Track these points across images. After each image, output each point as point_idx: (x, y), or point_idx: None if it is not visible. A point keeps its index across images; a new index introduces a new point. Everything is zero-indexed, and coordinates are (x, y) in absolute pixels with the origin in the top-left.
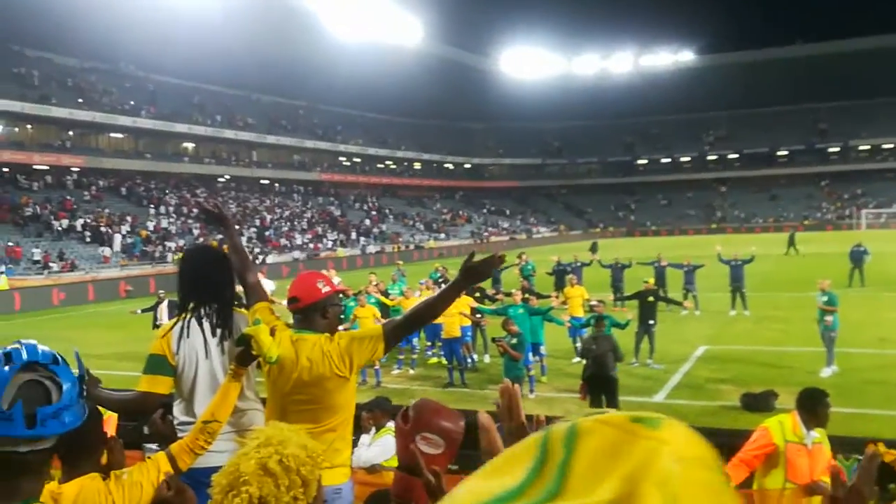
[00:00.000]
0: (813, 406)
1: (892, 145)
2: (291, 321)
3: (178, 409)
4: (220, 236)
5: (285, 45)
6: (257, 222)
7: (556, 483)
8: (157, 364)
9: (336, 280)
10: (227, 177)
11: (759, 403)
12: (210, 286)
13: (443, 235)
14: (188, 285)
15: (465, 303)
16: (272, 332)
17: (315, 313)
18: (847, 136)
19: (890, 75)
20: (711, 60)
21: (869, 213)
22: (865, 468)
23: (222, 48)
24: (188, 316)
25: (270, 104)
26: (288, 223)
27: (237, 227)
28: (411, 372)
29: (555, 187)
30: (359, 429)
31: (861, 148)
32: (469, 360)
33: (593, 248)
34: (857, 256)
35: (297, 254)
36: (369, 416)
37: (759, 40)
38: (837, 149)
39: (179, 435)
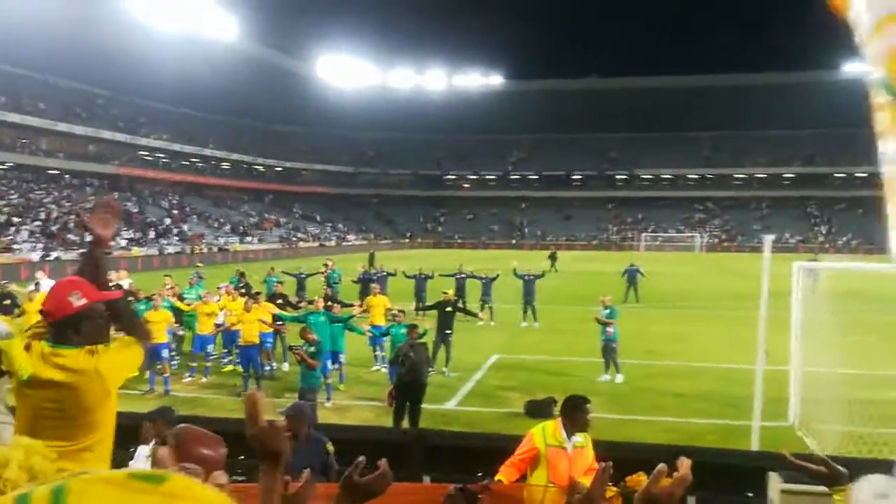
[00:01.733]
0: (572, 412)
1: (669, 176)
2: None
3: None
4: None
5: (88, 27)
6: (42, 215)
7: None
8: None
9: (126, 282)
10: (10, 164)
11: (540, 410)
12: None
13: (249, 238)
14: None
15: (265, 309)
16: (27, 347)
17: (67, 328)
18: (633, 166)
19: (671, 112)
20: (517, 85)
21: (647, 237)
22: (598, 478)
23: (13, 24)
24: None
25: (66, 90)
26: (78, 218)
27: (19, 219)
28: (204, 380)
29: (366, 196)
30: (136, 440)
31: (644, 177)
32: (267, 368)
33: (371, 260)
34: (632, 275)
35: (85, 251)
36: (151, 427)
37: (560, 71)
38: (625, 176)
39: None
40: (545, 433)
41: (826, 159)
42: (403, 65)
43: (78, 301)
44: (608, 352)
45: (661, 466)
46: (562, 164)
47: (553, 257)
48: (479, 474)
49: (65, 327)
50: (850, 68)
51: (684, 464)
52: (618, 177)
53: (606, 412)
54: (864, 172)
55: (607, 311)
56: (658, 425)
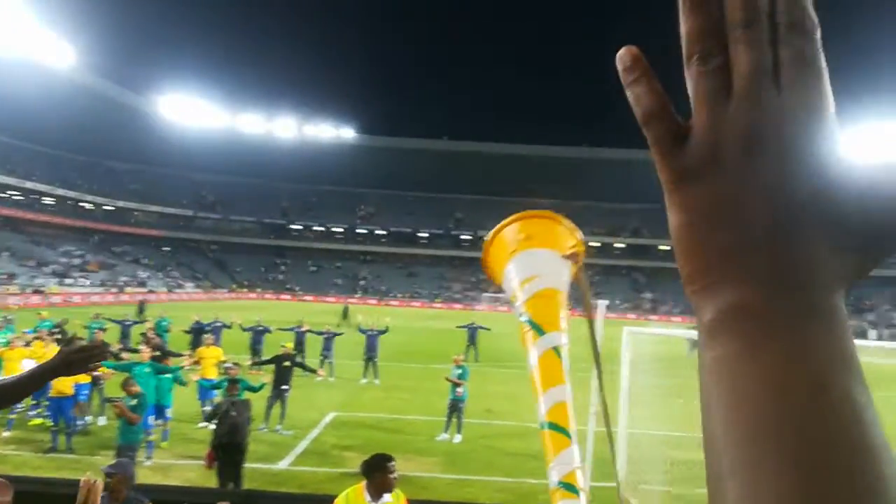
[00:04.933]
0: (368, 473)
1: None
2: None
3: None
4: None
5: None
6: None
7: None
8: None
9: None
10: None
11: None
12: None
13: (69, 281)
14: None
15: None
16: None
17: None
18: (477, 227)
19: (516, 178)
20: (369, 140)
21: (488, 296)
22: None
23: None
24: None
25: None
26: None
27: None
28: (6, 434)
29: (205, 242)
30: None
31: (487, 238)
32: (80, 423)
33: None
34: (473, 333)
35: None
36: None
37: (411, 130)
38: (469, 237)
39: None
40: (348, 499)
41: (651, 232)
42: (253, 110)
43: None
44: (454, 411)
45: None
46: (409, 222)
47: (345, 313)
48: None
49: None
50: None
51: None
52: (463, 237)
53: (443, 472)
54: None
55: (459, 370)
56: (493, 485)
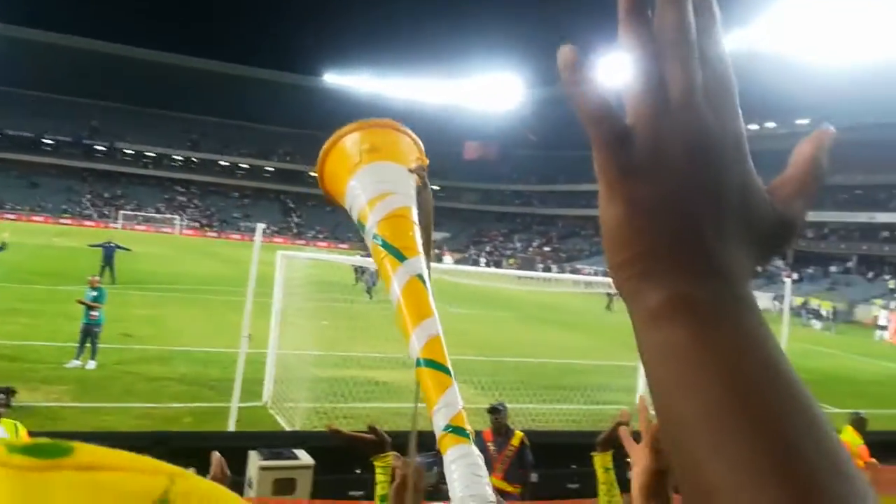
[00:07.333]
0: None
1: (154, 154)
2: None
3: None
4: None
5: None
6: None
7: None
8: None
9: None
10: None
11: None
12: None
13: None
14: None
15: None
16: None
17: None
18: (115, 137)
19: (162, 89)
20: None
21: (126, 214)
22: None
23: None
24: None
25: None
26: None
27: None
28: None
29: None
30: None
31: (126, 151)
32: None
33: None
34: (109, 253)
35: None
36: None
37: (38, 20)
38: (104, 148)
39: None
40: None
41: (302, 158)
42: None
43: None
44: (88, 336)
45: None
46: (31, 125)
47: None
48: None
49: None
50: (329, 78)
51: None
52: (97, 147)
53: (75, 401)
54: None
55: (95, 292)
56: (133, 412)
